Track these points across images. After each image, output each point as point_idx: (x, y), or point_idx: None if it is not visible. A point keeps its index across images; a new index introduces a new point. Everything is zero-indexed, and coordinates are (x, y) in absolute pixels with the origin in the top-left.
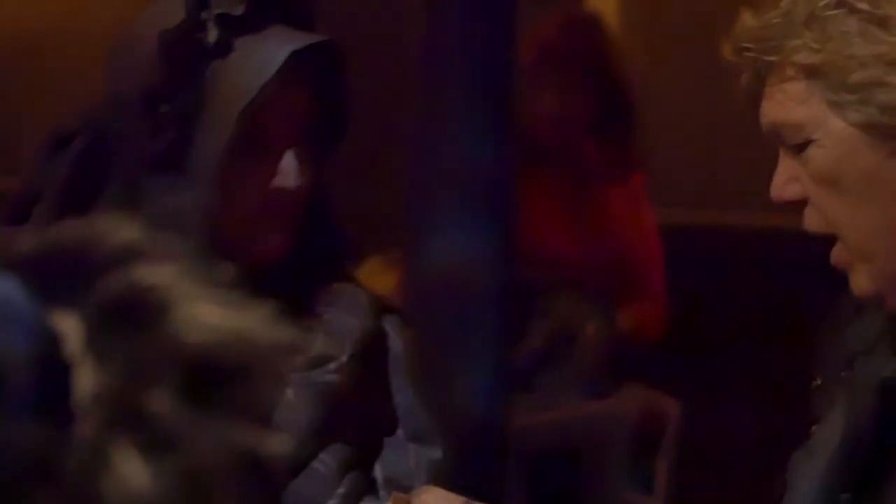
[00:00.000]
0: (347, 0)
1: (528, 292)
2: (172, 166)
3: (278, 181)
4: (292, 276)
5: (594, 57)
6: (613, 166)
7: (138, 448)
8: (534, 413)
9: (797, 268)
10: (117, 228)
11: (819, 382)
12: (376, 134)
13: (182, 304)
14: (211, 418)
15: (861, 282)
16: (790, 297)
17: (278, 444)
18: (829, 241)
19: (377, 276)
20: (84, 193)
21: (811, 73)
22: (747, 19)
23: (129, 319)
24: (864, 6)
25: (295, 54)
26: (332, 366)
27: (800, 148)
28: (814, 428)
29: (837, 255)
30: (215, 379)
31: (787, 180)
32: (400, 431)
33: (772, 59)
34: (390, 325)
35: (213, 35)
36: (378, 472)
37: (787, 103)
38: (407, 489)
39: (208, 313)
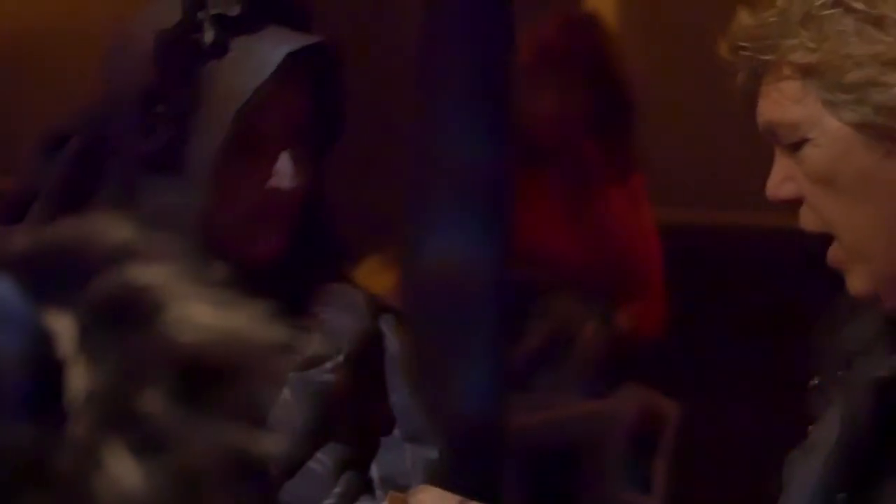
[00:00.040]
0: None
1: (528, 292)
2: (168, 166)
3: (274, 182)
4: (288, 276)
5: (594, 57)
6: (613, 166)
7: (131, 448)
8: (532, 413)
9: (797, 268)
10: (111, 228)
11: (816, 382)
12: (375, 134)
13: (175, 303)
14: (204, 418)
15: (857, 282)
16: (790, 297)
17: (271, 445)
18: (826, 240)
19: (376, 276)
20: (80, 193)
21: (807, 72)
22: (744, 18)
23: (123, 319)
24: (860, 6)
25: (291, 55)
26: (329, 365)
27: (795, 147)
28: (811, 428)
29: (833, 254)
30: (208, 379)
31: (782, 179)
32: (396, 431)
33: (768, 57)
34: (387, 325)
35: (209, 35)
36: (374, 471)
37: (783, 102)
38: (403, 488)
39: (201, 313)
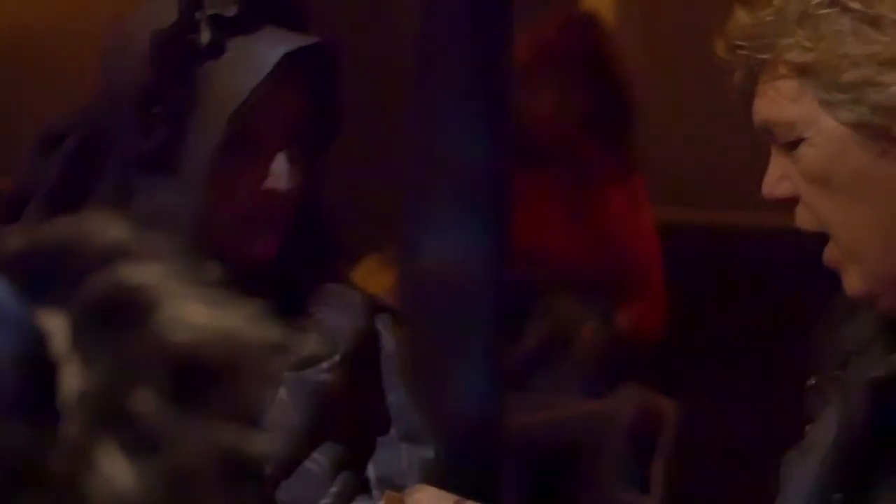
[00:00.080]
0: None
1: (527, 292)
2: (164, 166)
3: (269, 183)
4: (284, 276)
5: (593, 57)
6: (613, 166)
7: (124, 448)
8: (531, 413)
9: (796, 267)
10: (104, 227)
11: (813, 382)
12: (374, 134)
13: (168, 303)
14: (197, 418)
15: (853, 282)
16: (789, 296)
17: (265, 445)
18: (824, 240)
19: (374, 276)
20: (75, 192)
21: (803, 71)
22: (740, 17)
23: (116, 319)
24: (856, 5)
25: (288, 56)
26: (325, 365)
27: (791, 146)
28: (807, 427)
29: (829, 254)
30: (202, 379)
31: (778, 178)
32: (392, 431)
33: (764, 56)
34: (383, 325)
35: (205, 36)
36: (371, 471)
37: (780, 101)
38: (400, 488)
39: (195, 313)
